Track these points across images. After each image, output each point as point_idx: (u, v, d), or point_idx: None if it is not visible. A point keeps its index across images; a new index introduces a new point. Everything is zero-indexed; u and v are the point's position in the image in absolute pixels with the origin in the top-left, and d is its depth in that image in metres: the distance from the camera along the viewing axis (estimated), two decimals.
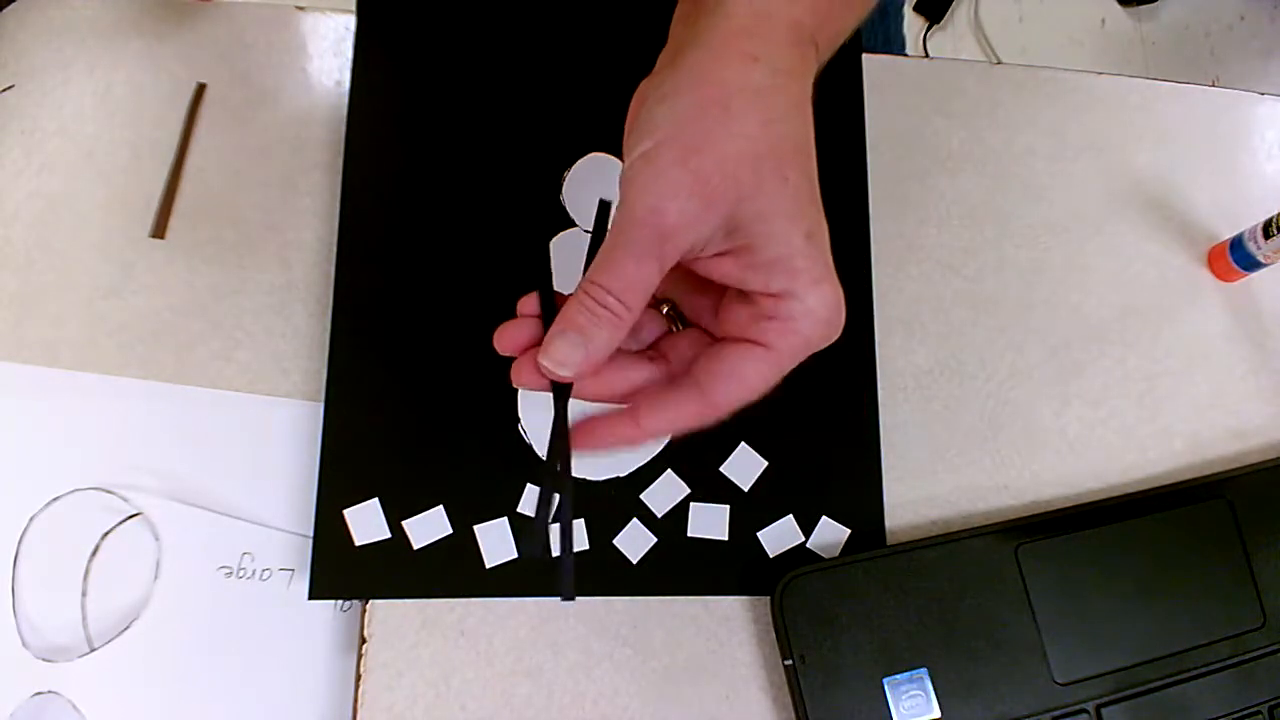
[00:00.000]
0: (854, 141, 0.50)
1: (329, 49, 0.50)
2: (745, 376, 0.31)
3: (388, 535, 0.44)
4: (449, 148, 0.48)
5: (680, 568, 0.45)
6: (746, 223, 0.30)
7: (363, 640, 0.44)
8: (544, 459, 0.44)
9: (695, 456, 0.46)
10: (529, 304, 0.34)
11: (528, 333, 0.33)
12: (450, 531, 0.44)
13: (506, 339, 0.33)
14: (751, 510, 0.46)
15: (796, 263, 0.30)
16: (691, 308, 0.35)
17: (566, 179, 0.48)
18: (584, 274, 0.31)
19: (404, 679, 0.43)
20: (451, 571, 0.44)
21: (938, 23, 1.55)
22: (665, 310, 0.35)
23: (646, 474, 0.46)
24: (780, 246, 0.30)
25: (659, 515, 0.45)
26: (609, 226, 0.31)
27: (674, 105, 0.30)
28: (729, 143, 0.29)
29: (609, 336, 0.31)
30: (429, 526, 0.44)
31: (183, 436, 0.46)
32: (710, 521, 0.46)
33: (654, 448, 0.46)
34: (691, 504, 0.46)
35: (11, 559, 0.44)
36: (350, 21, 0.50)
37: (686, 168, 0.29)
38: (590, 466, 0.46)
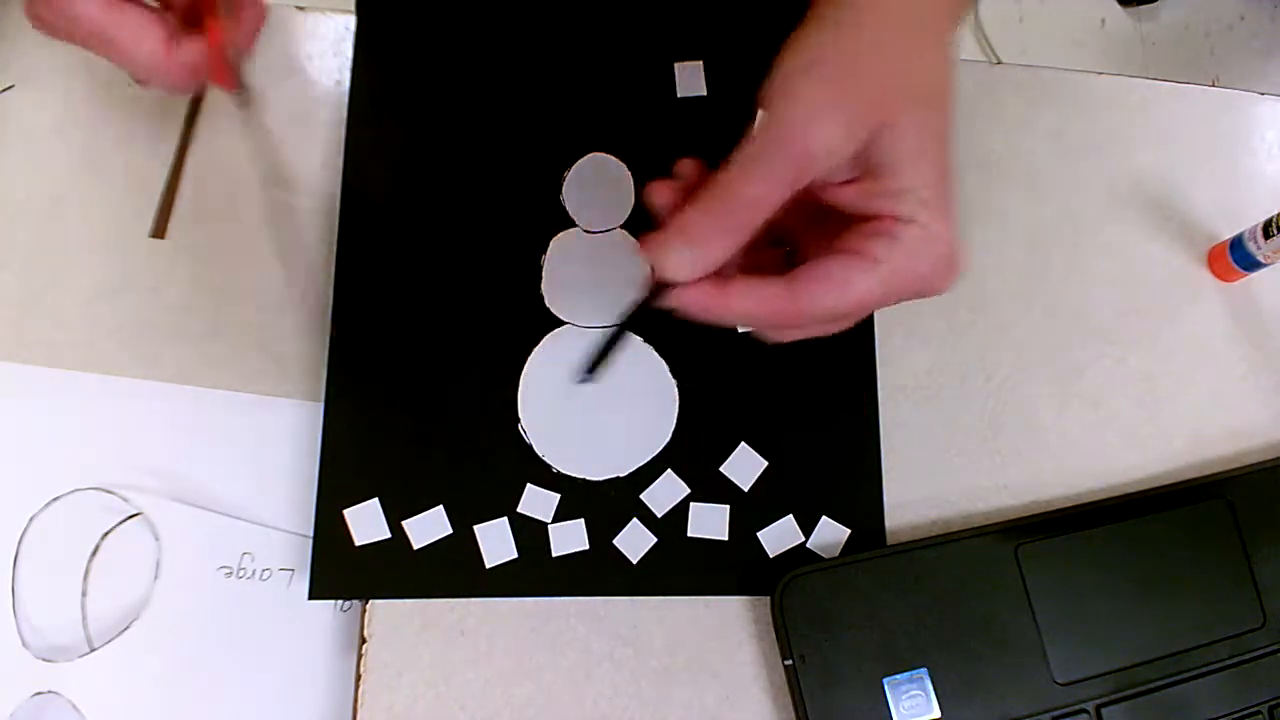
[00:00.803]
0: None
1: (329, 49, 0.50)
2: (845, 284, 0.31)
3: (388, 535, 0.44)
4: (449, 148, 0.48)
5: (680, 568, 0.45)
6: (885, 150, 0.30)
7: (363, 640, 0.44)
8: (537, 454, 0.45)
9: (695, 456, 0.46)
10: (688, 166, 0.33)
11: (674, 198, 0.33)
12: (450, 531, 0.44)
13: (656, 194, 0.33)
14: (751, 510, 0.46)
15: (925, 194, 0.30)
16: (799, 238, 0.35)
17: (566, 179, 0.48)
18: (715, 179, 0.30)
19: (404, 679, 0.43)
20: (451, 571, 0.44)
21: None
22: (785, 250, 0.34)
23: (646, 474, 0.46)
24: (918, 177, 0.30)
25: (659, 515, 0.45)
26: (750, 135, 0.30)
27: (834, 32, 0.30)
28: (891, 70, 0.30)
29: (721, 253, 0.31)
30: (429, 526, 0.44)
31: (183, 436, 0.46)
32: (710, 521, 0.46)
33: (654, 448, 0.46)
34: (691, 504, 0.46)
35: (11, 559, 0.44)
36: (350, 21, 0.50)
37: (842, 89, 0.29)
38: (590, 466, 0.46)
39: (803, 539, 0.46)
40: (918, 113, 0.30)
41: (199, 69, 0.36)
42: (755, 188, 0.30)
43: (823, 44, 0.30)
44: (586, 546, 0.45)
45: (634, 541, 0.45)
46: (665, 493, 0.46)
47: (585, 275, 0.47)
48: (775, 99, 0.30)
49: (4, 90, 0.48)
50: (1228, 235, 0.51)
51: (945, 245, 0.31)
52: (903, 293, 0.32)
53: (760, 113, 0.30)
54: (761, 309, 0.32)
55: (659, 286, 0.32)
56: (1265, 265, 0.49)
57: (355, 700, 0.43)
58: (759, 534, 0.46)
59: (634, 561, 0.45)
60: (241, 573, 0.45)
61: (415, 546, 0.44)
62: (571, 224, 0.48)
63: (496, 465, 0.45)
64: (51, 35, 0.35)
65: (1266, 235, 0.48)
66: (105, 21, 0.33)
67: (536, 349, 0.47)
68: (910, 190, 0.30)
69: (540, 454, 0.46)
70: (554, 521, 0.45)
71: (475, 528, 0.45)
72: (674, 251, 0.31)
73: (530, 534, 0.45)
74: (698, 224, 0.31)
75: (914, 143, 0.30)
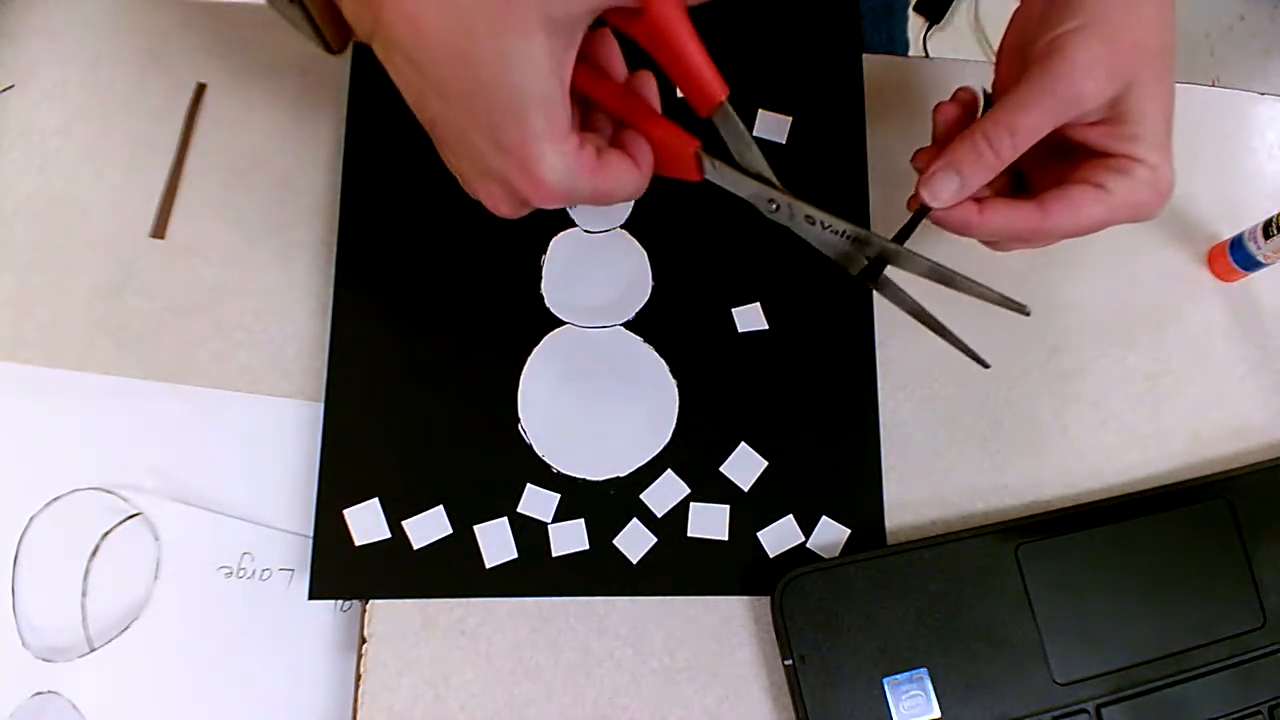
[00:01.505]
0: (854, 141, 0.50)
1: None
2: (1081, 207, 0.38)
3: (388, 535, 0.44)
4: None
5: (680, 568, 0.45)
6: (1131, 100, 0.37)
7: (363, 640, 0.44)
8: (537, 454, 0.45)
9: (695, 456, 0.46)
10: (967, 93, 0.41)
11: (957, 112, 0.41)
12: (450, 531, 0.44)
13: (940, 112, 0.41)
14: (751, 510, 0.46)
15: (1156, 139, 0.38)
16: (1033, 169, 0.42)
17: None
18: (982, 121, 0.37)
19: (404, 679, 0.43)
20: (451, 571, 0.44)
21: (938, 23, 1.55)
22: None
23: (646, 474, 0.46)
24: (1152, 124, 0.38)
25: (659, 515, 0.45)
26: (1023, 79, 0.37)
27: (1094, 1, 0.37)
28: (1139, 33, 0.37)
29: (982, 178, 0.38)
30: (429, 526, 0.44)
31: (183, 436, 0.46)
32: (710, 521, 0.46)
33: (654, 448, 0.46)
34: (691, 504, 0.46)
35: (11, 559, 0.44)
36: None
37: (1109, 48, 0.36)
38: (591, 466, 0.46)
39: (803, 539, 0.46)
40: (1155, 67, 0.37)
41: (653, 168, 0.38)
42: (1026, 121, 0.37)
43: (1085, 9, 0.36)
44: (586, 546, 0.45)
45: (634, 541, 0.45)
46: (665, 493, 0.46)
47: (585, 275, 0.47)
48: (1050, 54, 0.36)
49: (4, 90, 0.48)
50: (1228, 235, 0.51)
51: (1164, 182, 0.38)
52: (1121, 218, 0.39)
53: (1030, 67, 0.37)
54: (1013, 225, 0.39)
55: (924, 209, 0.39)
56: (1265, 265, 0.49)
57: (355, 700, 0.43)
58: (759, 534, 0.46)
59: (634, 561, 0.45)
60: (241, 573, 0.45)
61: (415, 546, 0.44)
62: (571, 224, 0.48)
63: (496, 465, 0.45)
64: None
65: (1266, 235, 0.48)
66: (601, 193, 0.36)
67: (536, 349, 0.47)
68: (1145, 135, 0.38)
69: (540, 454, 0.46)
70: (554, 521, 0.45)
71: (475, 528, 0.45)
72: (944, 180, 0.38)
73: (530, 534, 0.45)
74: (964, 157, 0.38)
75: (1151, 94, 0.37)
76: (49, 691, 0.43)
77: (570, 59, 0.33)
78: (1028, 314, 0.39)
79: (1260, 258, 0.49)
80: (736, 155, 0.37)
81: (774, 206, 0.39)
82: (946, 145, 0.39)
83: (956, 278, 0.39)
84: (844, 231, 0.39)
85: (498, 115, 0.33)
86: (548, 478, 0.45)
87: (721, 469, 0.46)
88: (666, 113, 0.37)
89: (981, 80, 0.53)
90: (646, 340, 0.47)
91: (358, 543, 0.44)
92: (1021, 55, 0.39)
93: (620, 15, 0.33)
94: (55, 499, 0.44)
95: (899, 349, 0.49)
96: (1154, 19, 0.37)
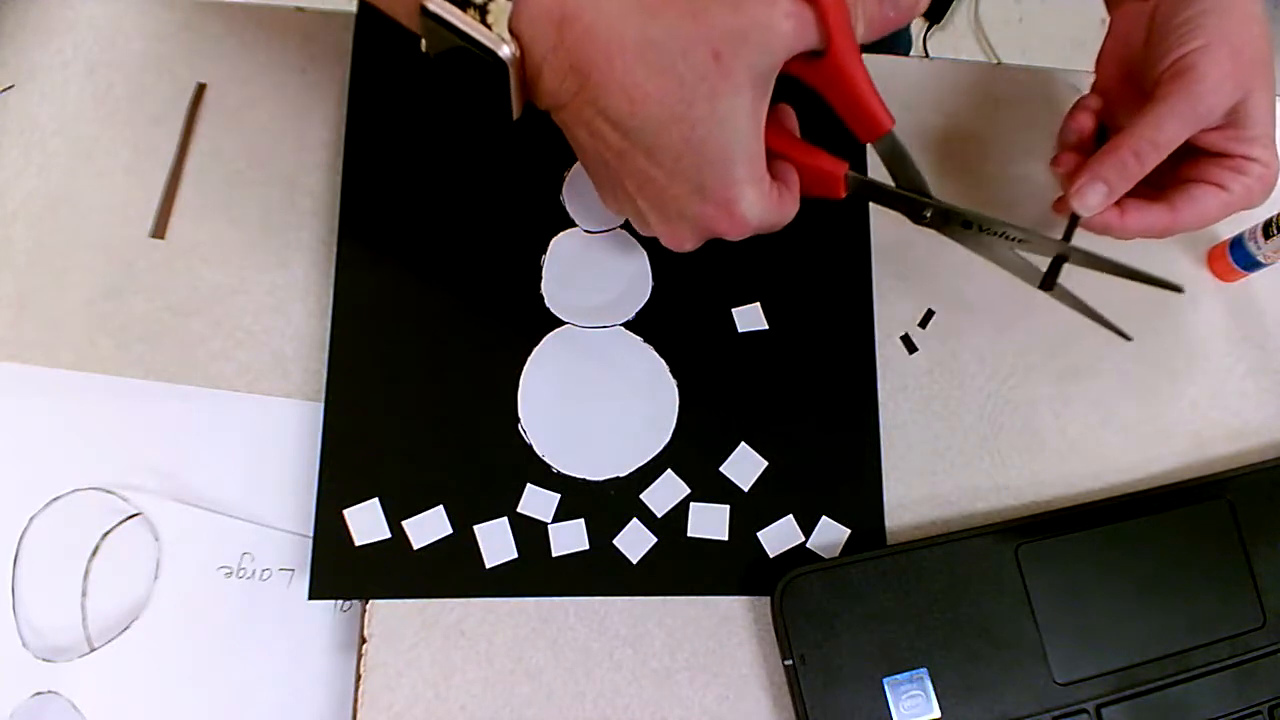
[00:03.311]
0: (854, 141, 0.49)
1: (329, 49, 0.50)
2: (1205, 205, 0.43)
3: (388, 535, 0.44)
4: (449, 147, 0.48)
5: (680, 568, 0.45)
6: (1248, 107, 0.42)
7: (363, 640, 0.44)
8: (537, 454, 0.45)
9: (695, 456, 0.46)
10: (1095, 101, 0.47)
11: (1090, 120, 0.46)
12: (450, 531, 0.44)
13: (1076, 119, 0.46)
14: (751, 510, 0.46)
15: (1268, 140, 0.43)
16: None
17: (567, 179, 0.48)
18: (1122, 135, 0.42)
19: (404, 679, 0.43)
20: (451, 571, 0.44)
21: (938, 23, 1.55)
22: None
23: (646, 474, 0.46)
24: (1265, 128, 0.43)
25: (659, 515, 0.45)
26: (1158, 95, 0.42)
27: (1219, 17, 0.41)
28: (1255, 48, 0.41)
29: (1126, 187, 0.43)
30: (429, 526, 0.44)
31: (183, 436, 0.46)
32: (710, 521, 0.46)
33: (654, 448, 0.46)
34: (691, 504, 0.46)
35: (11, 559, 0.44)
36: (350, 21, 0.50)
37: (1234, 63, 0.41)
38: (591, 466, 0.46)
39: (803, 539, 0.46)
40: (1265, 76, 0.42)
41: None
42: (1167, 135, 0.41)
43: (1208, 29, 0.41)
44: (586, 546, 0.45)
45: (634, 541, 0.45)
46: (665, 493, 0.46)
47: (585, 275, 0.47)
48: (1184, 72, 0.41)
49: (4, 90, 0.48)
50: (1228, 235, 0.51)
51: (1273, 177, 0.43)
52: (1236, 210, 0.44)
53: (1158, 84, 0.42)
54: (1149, 225, 0.44)
55: (1075, 217, 0.44)
56: (1265, 265, 0.49)
57: (355, 700, 0.43)
58: (759, 534, 0.46)
59: (634, 561, 0.45)
60: (241, 573, 0.45)
61: (415, 546, 0.44)
62: (571, 224, 0.48)
63: (496, 465, 0.45)
64: None
65: (1266, 235, 0.48)
66: (778, 224, 0.39)
67: (536, 349, 0.47)
68: (1260, 137, 0.43)
69: (540, 454, 0.46)
70: (554, 521, 0.45)
71: (475, 528, 0.45)
72: (1093, 191, 0.43)
73: (530, 534, 0.45)
74: (1111, 169, 0.42)
75: (1263, 101, 0.42)
76: (49, 691, 0.43)
77: (765, 107, 0.36)
78: (1181, 291, 0.42)
79: (1260, 258, 0.49)
80: (893, 174, 0.41)
81: (927, 215, 0.42)
82: (1082, 153, 0.45)
83: (1115, 265, 0.42)
84: (1001, 231, 0.42)
85: (705, 167, 0.35)
86: (548, 478, 0.45)
87: (721, 469, 0.46)
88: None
89: (983, 80, 0.53)
90: (646, 340, 0.47)
91: (358, 543, 0.44)
92: (1131, 67, 0.45)
93: (798, 61, 0.36)
94: (55, 499, 0.44)
95: (899, 349, 0.49)
96: (1261, 34, 0.42)
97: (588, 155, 0.38)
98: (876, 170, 0.42)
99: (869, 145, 0.40)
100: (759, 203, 0.37)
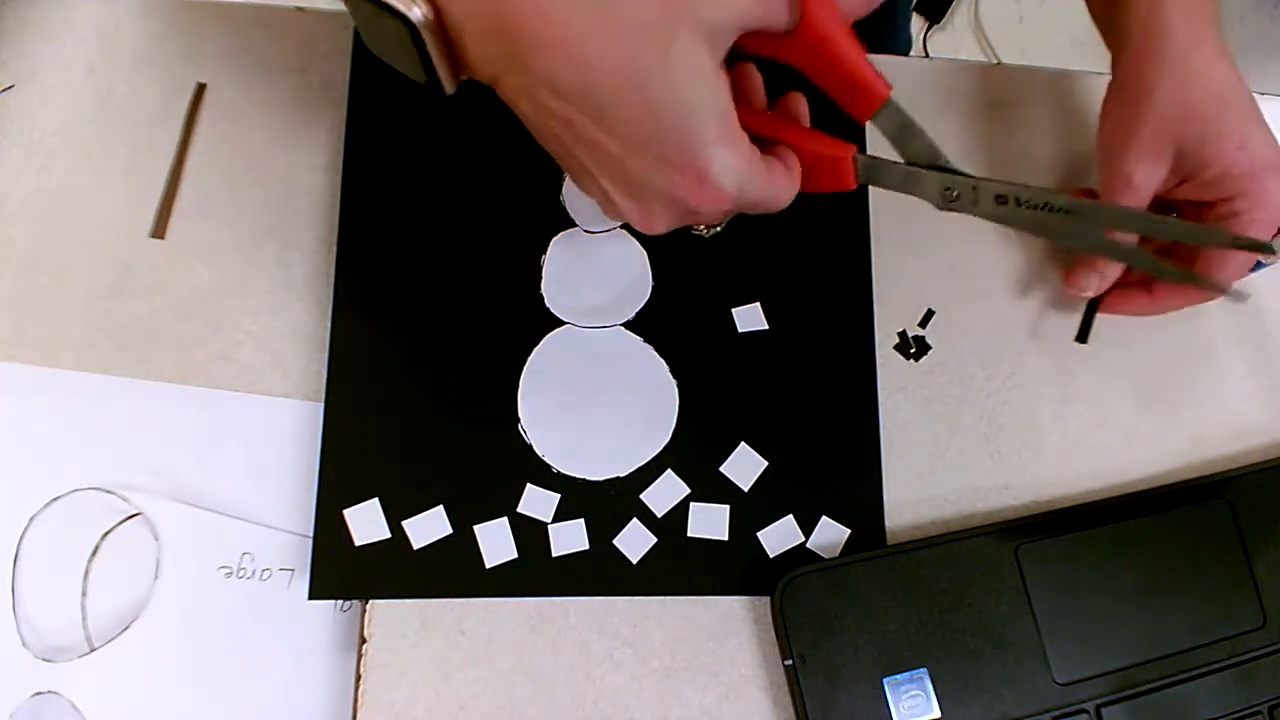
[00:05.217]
0: (853, 141, 0.49)
1: (329, 49, 0.50)
2: (1227, 260, 0.44)
3: (388, 535, 0.44)
4: (449, 147, 0.48)
5: (680, 568, 0.45)
6: (1194, 157, 0.42)
7: (363, 640, 0.44)
8: (537, 454, 0.45)
9: (695, 456, 0.46)
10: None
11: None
12: (450, 531, 0.44)
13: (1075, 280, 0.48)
14: (751, 510, 0.46)
15: (1238, 169, 0.42)
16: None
17: (567, 179, 0.48)
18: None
19: (404, 679, 0.43)
20: (451, 571, 0.44)
21: (938, 23, 1.55)
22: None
23: (646, 474, 0.46)
24: (1220, 164, 0.42)
25: (659, 515, 0.45)
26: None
27: (1161, 87, 0.42)
28: (1198, 107, 0.42)
29: (1117, 270, 0.46)
30: (429, 526, 0.44)
31: (183, 436, 0.46)
32: (710, 521, 0.46)
33: (654, 448, 0.46)
34: (691, 504, 0.46)
35: (11, 559, 0.44)
36: (350, 21, 0.50)
37: (1163, 140, 0.42)
38: (591, 466, 0.46)
39: (803, 539, 0.46)
40: (1226, 119, 0.42)
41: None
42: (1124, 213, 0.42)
43: (1154, 106, 0.42)
44: (586, 546, 0.45)
45: (634, 541, 0.45)
46: (665, 493, 0.46)
47: (585, 275, 0.47)
48: (1122, 169, 0.43)
49: (4, 90, 0.48)
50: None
51: (1271, 192, 0.42)
52: (1268, 234, 0.44)
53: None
54: (1180, 302, 0.46)
55: (1097, 300, 0.47)
56: (1265, 265, 0.49)
57: (355, 700, 0.43)
58: (759, 534, 0.46)
59: (634, 561, 0.45)
60: (241, 573, 0.45)
61: (415, 546, 0.44)
62: (571, 224, 0.48)
63: (496, 465, 0.45)
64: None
65: None
66: (767, 197, 0.35)
67: (536, 349, 0.47)
68: (1221, 174, 0.42)
69: (540, 454, 0.46)
70: (554, 521, 0.45)
71: (475, 528, 0.45)
72: (1086, 276, 0.46)
73: (530, 534, 0.45)
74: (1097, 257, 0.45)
75: (1215, 139, 0.42)
76: (49, 691, 0.43)
77: (722, 67, 0.32)
78: (1274, 252, 0.39)
79: (1260, 257, 0.49)
80: (902, 150, 0.36)
81: (953, 195, 0.36)
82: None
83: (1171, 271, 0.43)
84: (1043, 203, 0.37)
85: (665, 131, 0.31)
86: (548, 478, 0.45)
87: (721, 469, 0.46)
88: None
89: (983, 80, 0.53)
90: (646, 340, 0.47)
91: (358, 543, 0.44)
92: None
93: (762, 40, 0.32)
94: (55, 499, 0.44)
95: (899, 349, 0.49)
96: (1212, 74, 0.42)
97: (538, 132, 0.34)
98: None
99: (869, 125, 0.35)
100: (736, 166, 0.32)
